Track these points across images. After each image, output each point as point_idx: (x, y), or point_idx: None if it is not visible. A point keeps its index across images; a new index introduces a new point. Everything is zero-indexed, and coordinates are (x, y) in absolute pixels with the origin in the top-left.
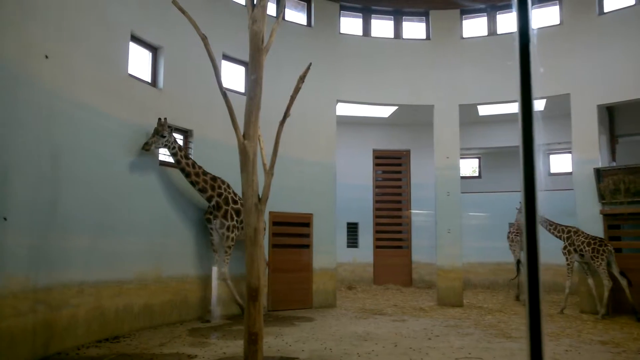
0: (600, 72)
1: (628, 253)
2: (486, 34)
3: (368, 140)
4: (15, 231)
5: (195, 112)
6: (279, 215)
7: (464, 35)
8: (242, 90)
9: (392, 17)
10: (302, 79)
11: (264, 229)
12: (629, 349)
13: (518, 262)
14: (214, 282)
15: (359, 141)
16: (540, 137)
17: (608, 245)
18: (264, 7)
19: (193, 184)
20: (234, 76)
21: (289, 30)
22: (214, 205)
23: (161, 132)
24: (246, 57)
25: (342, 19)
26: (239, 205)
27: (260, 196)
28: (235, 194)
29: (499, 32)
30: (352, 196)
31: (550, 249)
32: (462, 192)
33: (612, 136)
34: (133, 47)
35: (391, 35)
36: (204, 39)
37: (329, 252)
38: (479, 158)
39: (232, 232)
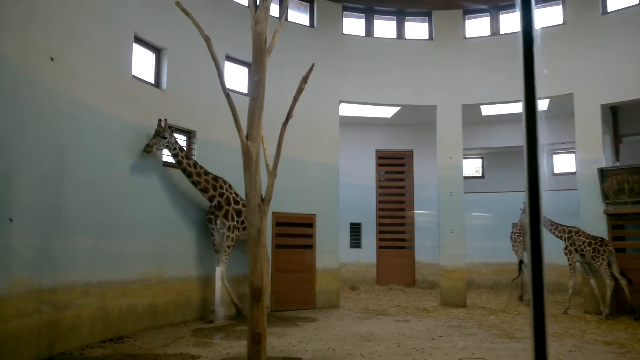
0: (604, 71)
1: (632, 253)
2: (489, 34)
3: (371, 140)
4: (19, 232)
5: (199, 113)
6: (282, 216)
7: (467, 36)
8: (245, 91)
9: (395, 17)
10: (304, 79)
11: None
12: (633, 349)
13: (520, 262)
14: (217, 283)
15: (361, 141)
16: (543, 137)
17: (609, 245)
18: (267, 8)
19: (195, 184)
20: (237, 77)
21: (291, 31)
22: (215, 205)
23: (162, 133)
24: (249, 58)
25: (344, 19)
26: (240, 206)
27: (263, 197)
28: (236, 195)
29: (501, 32)
30: (355, 196)
31: (553, 250)
32: (465, 192)
33: (615, 136)
34: (136, 48)
35: (394, 35)
36: (207, 40)
37: (332, 253)
38: (481, 158)
39: (233, 232)
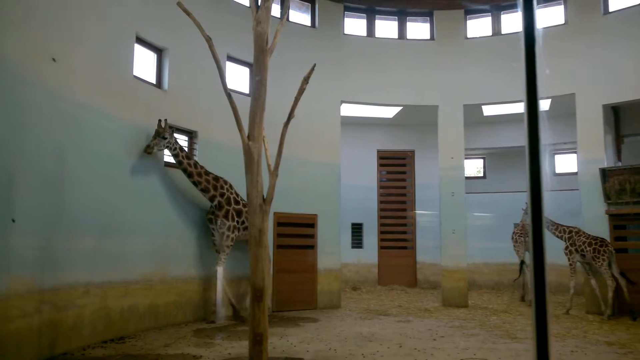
0: (606, 71)
1: (634, 253)
2: (490, 34)
3: (372, 140)
4: (21, 233)
5: (200, 114)
6: (284, 216)
7: (469, 36)
8: (247, 91)
9: (396, 17)
10: (306, 80)
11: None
12: (636, 349)
13: (522, 262)
14: (219, 283)
15: (363, 142)
16: (545, 137)
17: (609, 246)
18: (268, 9)
19: (195, 184)
20: (238, 77)
21: (293, 32)
22: (215, 205)
23: (162, 133)
24: (250, 59)
25: (346, 19)
26: (240, 206)
27: (264, 197)
28: (237, 195)
29: (503, 32)
30: (357, 197)
31: (554, 250)
32: (467, 193)
33: (617, 136)
34: (138, 48)
35: (395, 35)
36: (208, 40)
37: (334, 253)
38: (483, 158)
39: (233, 232)
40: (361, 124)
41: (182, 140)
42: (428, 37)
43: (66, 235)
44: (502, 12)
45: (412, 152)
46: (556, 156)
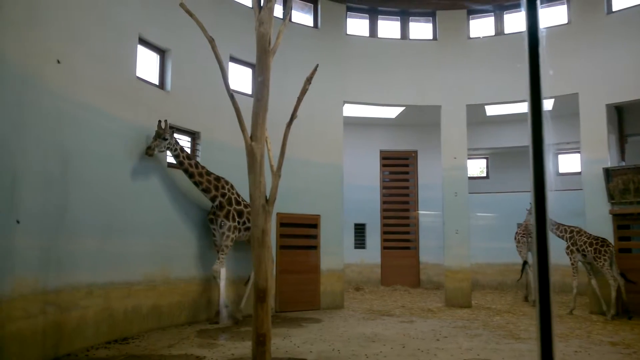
0: (609, 71)
1: (637, 253)
2: (493, 33)
3: (375, 141)
4: (24, 234)
5: (203, 114)
6: (287, 217)
7: (471, 36)
8: (250, 92)
9: (399, 17)
10: (309, 80)
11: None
12: None
13: (525, 263)
14: (222, 284)
15: (366, 142)
16: (548, 137)
17: (610, 246)
18: (271, 9)
19: (196, 184)
20: (241, 78)
21: (295, 32)
22: (217, 206)
23: (163, 134)
24: (253, 59)
25: (348, 20)
26: (241, 207)
27: (267, 197)
28: (238, 195)
29: (506, 32)
30: (360, 197)
31: (556, 250)
32: (470, 193)
33: (621, 135)
34: (141, 49)
35: (398, 36)
36: (211, 41)
37: (337, 253)
38: (486, 158)
39: (233, 232)
40: (364, 124)
41: (185, 141)
42: (431, 37)
43: (69, 236)
44: (504, 12)
45: (415, 152)
46: (559, 156)
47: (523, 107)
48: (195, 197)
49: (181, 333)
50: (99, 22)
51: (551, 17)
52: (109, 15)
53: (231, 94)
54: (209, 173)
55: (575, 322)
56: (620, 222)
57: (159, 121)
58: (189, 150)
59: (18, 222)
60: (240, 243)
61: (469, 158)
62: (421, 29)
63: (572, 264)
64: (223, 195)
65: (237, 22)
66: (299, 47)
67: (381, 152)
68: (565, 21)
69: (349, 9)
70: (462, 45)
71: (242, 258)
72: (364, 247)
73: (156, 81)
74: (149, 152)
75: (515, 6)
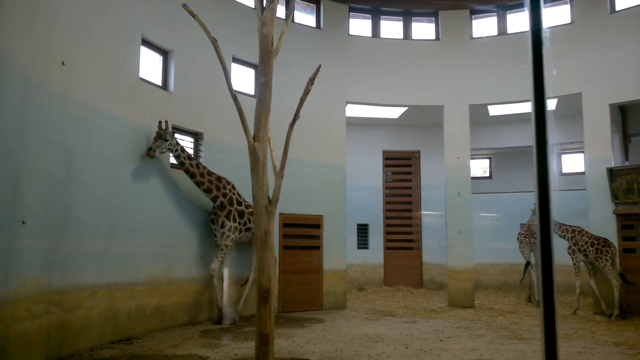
0: (612, 70)
1: None
2: (496, 33)
3: (378, 141)
4: (29, 234)
5: (206, 115)
6: (289, 217)
7: (474, 35)
8: (252, 92)
9: (401, 18)
10: (311, 81)
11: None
12: None
13: (527, 263)
14: (225, 284)
15: (368, 142)
16: (552, 136)
17: (611, 246)
18: (274, 10)
19: (198, 184)
20: (243, 79)
21: (298, 33)
22: (218, 206)
23: (164, 135)
24: (256, 60)
25: (351, 20)
26: (242, 207)
27: (270, 198)
28: (239, 196)
29: (508, 32)
30: (362, 197)
31: (562, 250)
32: (473, 193)
33: (624, 135)
34: (144, 50)
35: (400, 36)
36: (214, 42)
37: (339, 254)
38: (489, 158)
39: (233, 233)
40: (366, 124)
41: (188, 141)
42: (433, 37)
43: (73, 237)
44: (507, 12)
45: (418, 152)
46: (563, 156)
47: (526, 107)
48: (196, 198)
49: (184, 333)
50: (103, 23)
51: (554, 16)
52: (112, 16)
53: (234, 95)
54: (210, 173)
55: (579, 323)
56: (624, 222)
57: (160, 122)
58: (191, 151)
59: (24, 222)
60: (241, 244)
61: (471, 158)
62: (424, 29)
63: (574, 264)
64: (224, 195)
65: (239, 23)
66: (302, 47)
67: (384, 152)
68: (569, 21)
69: (352, 10)
70: (464, 45)
71: (242, 258)
72: (366, 248)
73: (159, 82)
74: (150, 153)
75: (518, 6)
